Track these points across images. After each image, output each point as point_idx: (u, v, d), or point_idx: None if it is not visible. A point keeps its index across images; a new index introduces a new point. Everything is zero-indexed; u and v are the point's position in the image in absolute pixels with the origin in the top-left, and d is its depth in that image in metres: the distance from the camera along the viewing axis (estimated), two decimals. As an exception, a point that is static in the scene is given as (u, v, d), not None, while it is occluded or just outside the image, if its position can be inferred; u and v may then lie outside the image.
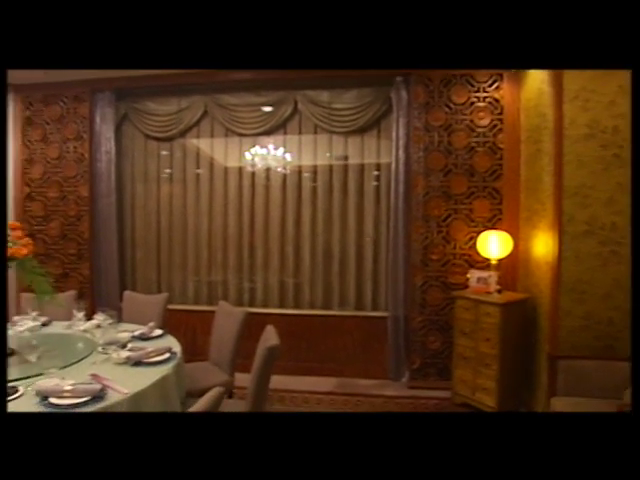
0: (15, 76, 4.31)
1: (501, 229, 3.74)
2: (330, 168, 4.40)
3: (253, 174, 4.52)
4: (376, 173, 4.36)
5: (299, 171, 4.47)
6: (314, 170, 4.45)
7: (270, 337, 2.20)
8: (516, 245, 3.67)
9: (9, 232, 2.25)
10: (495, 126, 3.88)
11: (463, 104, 3.92)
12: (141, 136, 4.70)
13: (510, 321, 3.32)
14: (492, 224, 3.87)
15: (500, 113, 3.86)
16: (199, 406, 1.47)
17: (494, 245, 3.59)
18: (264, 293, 4.53)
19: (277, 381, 2.26)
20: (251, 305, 4.43)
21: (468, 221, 3.93)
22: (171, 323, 3.22)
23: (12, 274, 2.39)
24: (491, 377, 3.34)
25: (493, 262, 3.62)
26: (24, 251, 2.24)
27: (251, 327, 2.94)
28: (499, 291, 3.49)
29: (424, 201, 3.98)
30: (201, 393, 2.53)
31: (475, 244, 3.79)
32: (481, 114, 3.90)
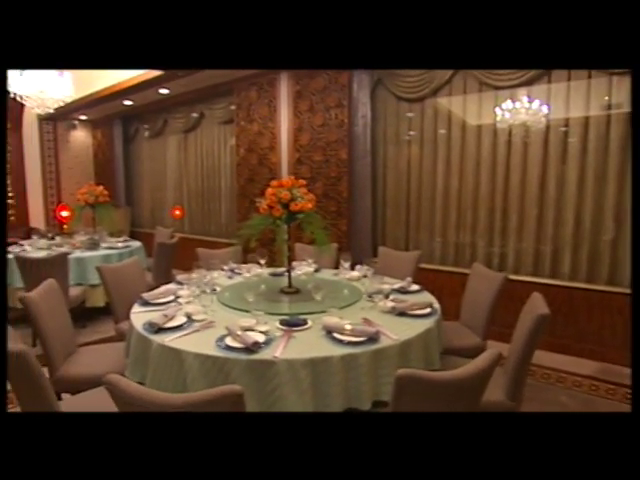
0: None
1: None
2: (607, 118, 3.71)
3: (509, 131, 4.18)
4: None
5: (565, 124, 3.91)
6: (585, 122, 3.81)
7: (539, 305, 2.05)
8: None
9: (298, 190, 2.62)
10: None
11: None
12: (393, 99, 4.86)
13: None
14: None
15: None
16: (474, 365, 1.47)
17: None
18: (516, 259, 4.23)
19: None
20: (500, 270, 4.18)
21: None
22: (419, 280, 3.31)
23: (293, 225, 2.77)
24: None
25: None
26: (309, 205, 2.59)
27: (501, 293, 2.80)
28: None
29: None
30: (454, 352, 2.58)
31: None
32: None
